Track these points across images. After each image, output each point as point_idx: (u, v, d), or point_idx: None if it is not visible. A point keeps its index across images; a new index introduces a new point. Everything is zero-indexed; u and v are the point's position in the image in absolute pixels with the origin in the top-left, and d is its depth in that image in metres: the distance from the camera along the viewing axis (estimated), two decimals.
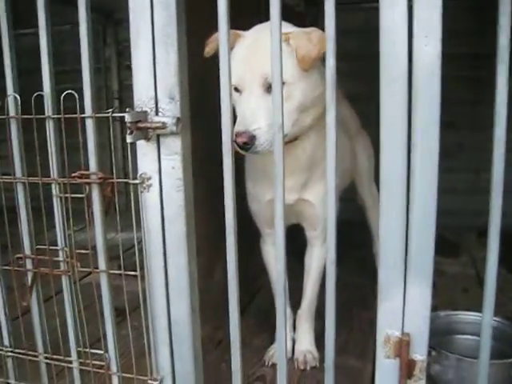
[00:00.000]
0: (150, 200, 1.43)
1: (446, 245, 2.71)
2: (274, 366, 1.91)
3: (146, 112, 1.38)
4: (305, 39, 1.54)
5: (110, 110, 1.41)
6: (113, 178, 1.45)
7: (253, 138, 1.51)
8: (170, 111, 1.37)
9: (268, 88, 1.53)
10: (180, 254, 1.44)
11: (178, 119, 1.36)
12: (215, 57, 1.30)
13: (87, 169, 1.45)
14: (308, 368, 1.93)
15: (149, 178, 1.42)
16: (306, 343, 1.99)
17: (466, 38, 3.34)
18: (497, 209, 1.24)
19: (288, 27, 1.58)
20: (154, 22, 1.35)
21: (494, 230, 1.25)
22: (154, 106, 1.38)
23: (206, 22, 1.49)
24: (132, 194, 1.42)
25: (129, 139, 1.33)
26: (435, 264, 1.27)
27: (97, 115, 1.43)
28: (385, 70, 1.22)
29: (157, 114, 1.38)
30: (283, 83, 1.21)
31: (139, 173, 1.42)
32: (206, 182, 1.90)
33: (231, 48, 1.32)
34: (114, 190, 1.48)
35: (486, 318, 1.31)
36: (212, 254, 2.06)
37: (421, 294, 1.30)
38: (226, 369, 1.87)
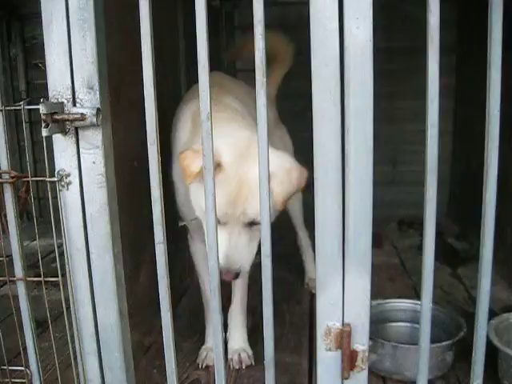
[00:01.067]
0: (69, 198, 1.32)
1: None
2: (207, 368, 1.84)
3: (62, 103, 1.26)
4: (286, 182, 1.50)
5: (22, 102, 1.29)
6: (27, 177, 1.33)
7: (238, 274, 1.52)
8: (88, 101, 1.27)
9: (249, 223, 1.50)
10: (105, 255, 1.34)
11: (98, 110, 1.26)
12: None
13: None
14: (243, 367, 1.88)
15: (68, 175, 1.31)
16: (239, 341, 1.93)
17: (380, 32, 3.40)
18: (432, 199, 1.25)
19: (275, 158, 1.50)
20: (68, 5, 1.24)
21: (430, 219, 1.26)
22: (70, 96, 1.27)
23: (127, 10, 1.40)
24: (49, 194, 1.31)
25: (44, 133, 1.21)
26: None
27: (7, 108, 1.31)
28: (316, 54, 1.19)
29: (74, 105, 1.27)
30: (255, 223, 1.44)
31: (57, 169, 1.31)
32: (127, 178, 1.79)
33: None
34: (28, 189, 1.36)
35: (425, 305, 1.31)
36: (136, 255, 1.95)
37: (360, 283, 1.28)
38: (158, 375, 1.78)
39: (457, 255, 2.67)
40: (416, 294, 2.22)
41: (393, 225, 3.38)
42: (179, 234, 2.04)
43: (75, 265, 1.35)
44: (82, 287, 1.36)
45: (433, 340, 1.40)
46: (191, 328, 2.09)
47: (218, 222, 1.43)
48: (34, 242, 1.32)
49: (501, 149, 1.22)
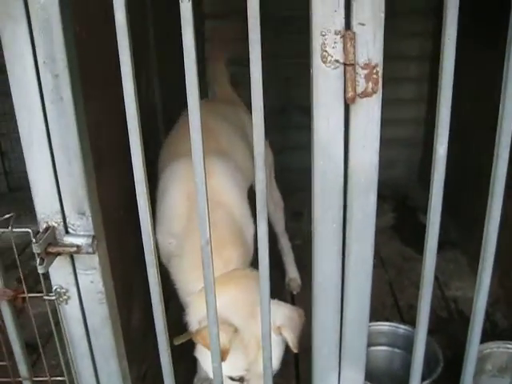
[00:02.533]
0: (69, 312, 1.32)
1: None
2: None
3: (53, 228, 1.21)
4: (294, 326, 1.56)
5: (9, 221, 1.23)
6: (24, 292, 1.31)
7: None
8: (81, 227, 1.22)
9: None
10: (110, 361, 1.37)
11: (94, 237, 1.22)
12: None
13: None
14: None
15: (65, 292, 1.29)
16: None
17: None
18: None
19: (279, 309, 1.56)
20: (49, 132, 1.14)
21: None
22: (61, 220, 1.22)
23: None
24: (49, 309, 1.30)
25: (41, 270, 1.18)
26: None
27: None
28: (318, 184, 1.16)
29: (67, 231, 1.22)
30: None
31: (54, 287, 1.29)
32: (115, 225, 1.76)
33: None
34: (24, 301, 1.34)
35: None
36: (126, 295, 1.97)
37: (354, 377, 1.37)
38: None
39: None
40: (391, 291, 2.33)
41: None
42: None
43: (80, 368, 1.38)
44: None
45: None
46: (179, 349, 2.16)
47: (243, 380, 1.52)
48: None
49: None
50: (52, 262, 1.21)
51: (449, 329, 2.08)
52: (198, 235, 1.66)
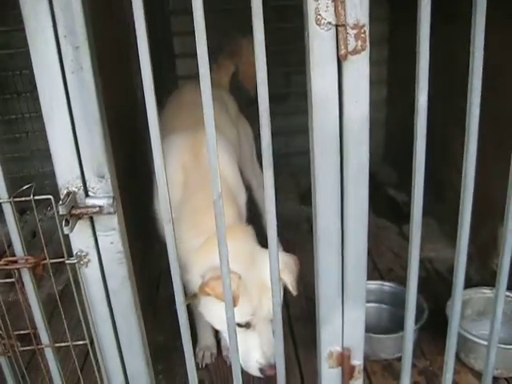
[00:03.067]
0: (90, 274, 1.40)
1: None
2: (207, 368, 2.04)
3: (74, 193, 1.30)
4: (292, 270, 1.70)
5: (30, 189, 1.31)
6: (45, 259, 1.38)
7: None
8: (101, 190, 1.31)
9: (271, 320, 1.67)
10: (129, 319, 1.46)
11: (114, 198, 1.31)
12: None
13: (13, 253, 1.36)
14: None
15: (86, 255, 1.38)
16: None
17: None
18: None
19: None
20: (70, 100, 1.23)
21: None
22: (81, 185, 1.30)
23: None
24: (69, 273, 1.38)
25: (66, 231, 1.26)
26: None
27: (15, 199, 1.32)
28: (317, 135, 1.30)
29: (87, 194, 1.31)
30: None
31: (74, 251, 1.37)
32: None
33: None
34: (44, 268, 1.41)
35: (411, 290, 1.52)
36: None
37: (357, 314, 1.50)
38: (164, 379, 1.97)
39: (400, 210, 2.96)
40: (370, 257, 2.48)
41: None
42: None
43: (100, 329, 1.46)
44: (110, 346, 1.48)
45: (399, 322, 1.63)
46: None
47: (249, 325, 1.63)
48: None
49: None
50: (75, 224, 1.30)
51: (429, 285, 2.24)
52: (193, 200, 1.79)
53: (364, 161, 1.34)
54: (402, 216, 2.80)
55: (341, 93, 1.27)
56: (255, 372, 1.68)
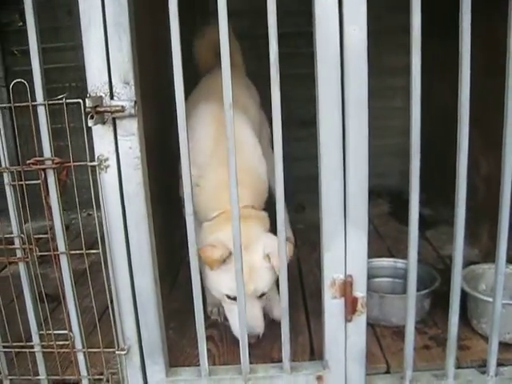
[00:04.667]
0: (107, 180, 1.51)
1: None
2: (217, 325, 2.06)
3: (101, 97, 1.45)
4: None
5: (63, 96, 1.47)
6: (69, 162, 1.51)
7: (259, 335, 1.84)
8: (125, 95, 1.46)
9: (260, 295, 1.87)
10: (141, 227, 1.55)
11: (135, 102, 1.45)
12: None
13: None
14: None
15: (106, 159, 1.50)
16: None
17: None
18: (415, 176, 1.50)
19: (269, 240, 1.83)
20: (105, 12, 1.42)
21: (415, 189, 1.52)
22: (108, 90, 1.46)
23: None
24: (90, 176, 1.50)
25: (90, 123, 1.40)
26: None
27: (49, 102, 1.48)
28: (320, 50, 1.43)
29: (112, 98, 1.46)
30: (263, 294, 1.86)
31: (96, 155, 1.50)
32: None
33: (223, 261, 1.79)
34: (68, 173, 1.54)
35: (412, 258, 1.56)
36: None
37: (359, 241, 1.55)
38: (175, 335, 2.00)
39: (424, 220, 2.96)
40: (391, 255, 2.50)
41: None
42: (176, 209, 2.23)
43: (113, 237, 1.55)
44: (121, 256, 1.56)
45: None
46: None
47: (235, 299, 1.71)
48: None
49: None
50: (99, 122, 1.44)
51: (447, 275, 2.23)
52: (217, 171, 1.91)
53: (363, 78, 1.44)
54: (425, 224, 2.82)
55: (341, 13, 1.41)
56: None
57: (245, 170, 1.89)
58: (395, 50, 3.01)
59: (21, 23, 3.28)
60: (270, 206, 1.95)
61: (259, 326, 1.84)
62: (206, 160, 1.99)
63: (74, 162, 1.50)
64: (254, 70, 2.63)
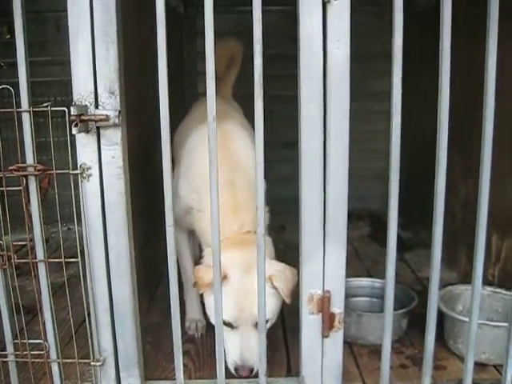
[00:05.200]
0: (89, 189, 1.52)
1: None
2: (193, 340, 2.05)
3: (86, 106, 1.47)
4: (286, 279, 1.73)
5: (48, 104, 1.48)
6: (51, 170, 1.51)
7: (252, 369, 1.69)
8: (110, 105, 1.48)
9: (256, 324, 1.66)
10: (121, 236, 1.55)
11: (120, 112, 1.47)
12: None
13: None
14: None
15: (89, 168, 1.51)
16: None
17: None
18: (394, 194, 1.52)
19: (271, 265, 1.73)
20: (93, 22, 1.44)
21: (393, 212, 1.54)
22: (93, 100, 1.47)
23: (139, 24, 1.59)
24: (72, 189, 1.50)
25: (74, 131, 1.41)
26: None
27: (34, 109, 1.48)
28: (304, 69, 1.46)
29: (97, 107, 1.47)
30: (267, 321, 1.64)
31: (79, 163, 1.51)
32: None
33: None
34: (50, 181, 1.54)
35: (389, 275, 1.58)
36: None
37: (338, 257, 1.56)
38: (151, 350, 1.98)
39: (403, 243, 3.00)
40: (370, 276, 2.52)
41: None
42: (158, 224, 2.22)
43: (93, 246, 1.55)
44: (100, 266, 1.56)
45: None
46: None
47: (231, 325, 1.69)
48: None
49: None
50: (83, 130, 1.45)
51: (425, 297, 2.25)
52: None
53: (345, 94, 1.47)
54: (404, 247, 2.85)
55: (325, 33, 1.45)
56: (232, 370, 1.71)
57: (249, 196, 1.84)
58: (380, 75, 3.07)
59: (8, 36, 3.30)
60: None
61: (252, 359, 1.69)
62: (204, 184, 1.97)
63: (56, 170, 1.51)
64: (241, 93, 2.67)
